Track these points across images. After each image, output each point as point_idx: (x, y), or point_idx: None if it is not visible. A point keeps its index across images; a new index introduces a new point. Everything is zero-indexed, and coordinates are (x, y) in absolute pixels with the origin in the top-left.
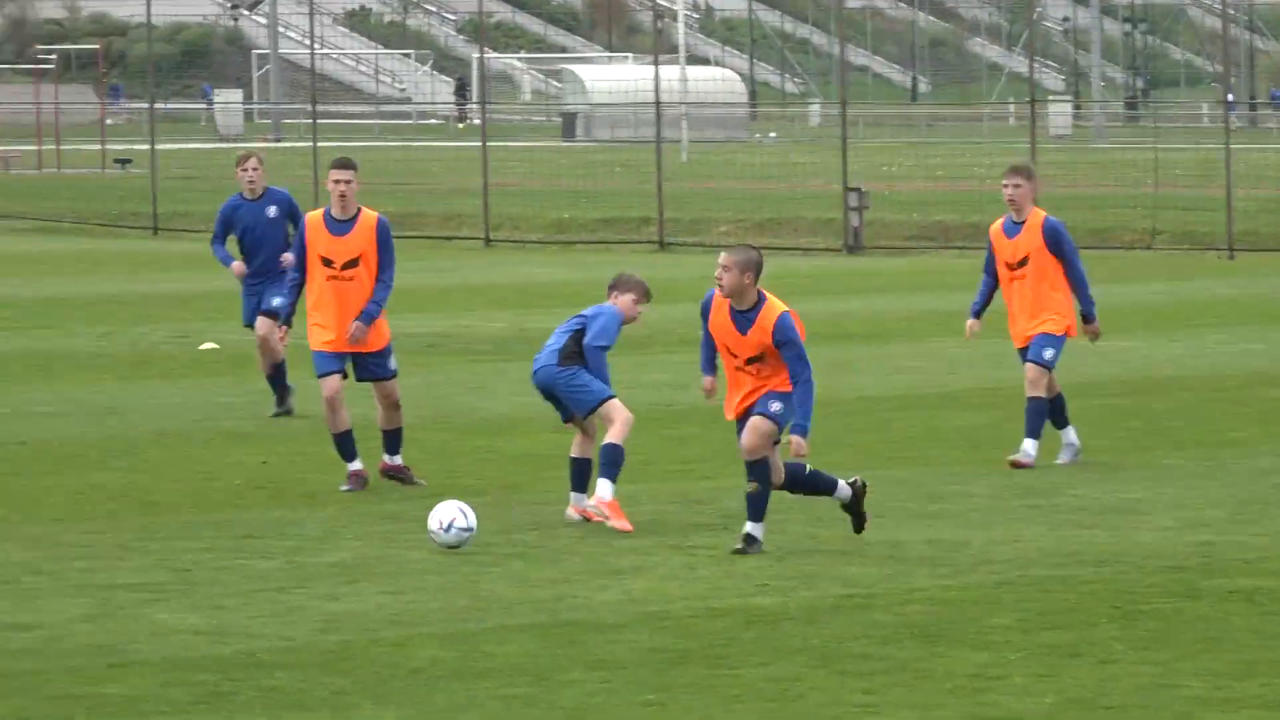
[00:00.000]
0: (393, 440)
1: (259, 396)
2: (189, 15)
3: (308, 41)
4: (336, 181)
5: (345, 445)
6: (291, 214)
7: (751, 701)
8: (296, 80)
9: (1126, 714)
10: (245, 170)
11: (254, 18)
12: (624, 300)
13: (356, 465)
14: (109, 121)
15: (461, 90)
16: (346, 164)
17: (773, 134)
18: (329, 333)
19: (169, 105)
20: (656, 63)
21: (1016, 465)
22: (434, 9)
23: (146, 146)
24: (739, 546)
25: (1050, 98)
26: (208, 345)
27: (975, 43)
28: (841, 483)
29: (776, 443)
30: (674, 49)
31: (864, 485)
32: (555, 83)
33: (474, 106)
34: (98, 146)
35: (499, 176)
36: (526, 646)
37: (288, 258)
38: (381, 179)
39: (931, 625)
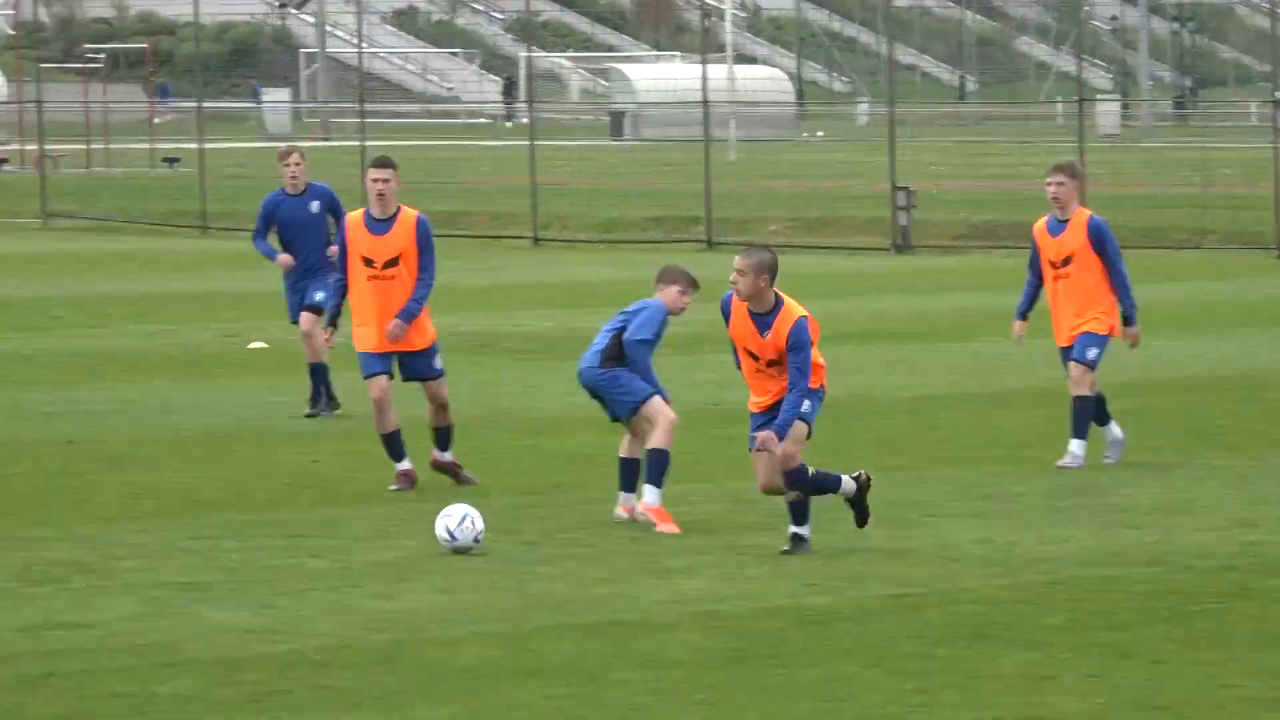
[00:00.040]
0: (442, 437)
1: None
2: (237, 14)
3: (355, 40)
4: (375, 180)
5: (393, 445)
6: (333, 209)
7: (803, 701)
8: (344, 79)
9: (1178, 714)
10: (287, 165)
11: (302, 16)
12: (669, 292)
13: (405, 465)
14: (157, 120)
15: (509, 89)
16: (384, 163)
17: (820, 133)
18: (372, 333)
19: (217, 104)
20: (704, 62)
21: (1066, 469)
22: (482, 8)
23: (195, 145)
24: (787, 548)
25: (1098, 97)
26: (257, 344)
27: (1023, 42)
28: (845, 478)
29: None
30: (722, 48)
31: (868, 479)
32: (603, 82)
33: (522, 105)
34: (146, 145)
35: (547, 175)
36: (577, 646)
37: (335, 249)
38: (429, 178)
39: (982, 625)
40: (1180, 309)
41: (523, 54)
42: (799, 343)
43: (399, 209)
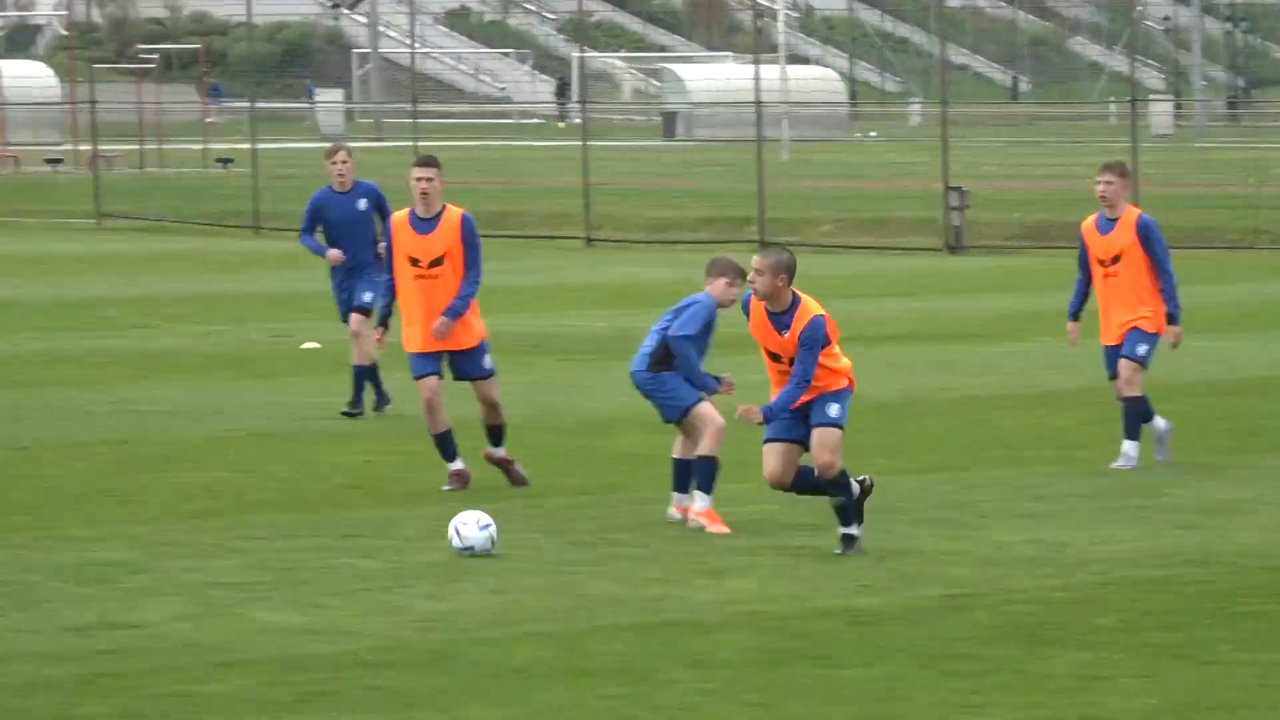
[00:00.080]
0: (494, 435)
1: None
2: (290, 14)
3: (408, 41)
4: (418, 179)
5: (445, 445)
6: (380, 207)
7: (854, 702)
8: (397, 79)
9: (1231, 715)
10: (334, 163)
11: (354, 17)
12: (717, 285)
13: (458, 465)
14: (210, 121)
15: (562, 90)
16: (427, 162)
17: (873, 133)
18: (419, 333)
19: (270, 104)
20: (757, 62)
21: (1119, 470)
22: (534, 8)
23: (248, 146)
24: (839, 550)
25: (1151, 97)
26: (310, 345)
27: (1075, 42)
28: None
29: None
30: (774, 48)
31: (871, 485)
32: (655, 82)
33: (574, 106)
34: (199, 146)
35: (600, 176)
36: (628, 646)
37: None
38: (482, 179)
39: (1034, 625)
40: (1231, 309)
41: (575, 54)
42: (809, 339)
43: (444, 207)
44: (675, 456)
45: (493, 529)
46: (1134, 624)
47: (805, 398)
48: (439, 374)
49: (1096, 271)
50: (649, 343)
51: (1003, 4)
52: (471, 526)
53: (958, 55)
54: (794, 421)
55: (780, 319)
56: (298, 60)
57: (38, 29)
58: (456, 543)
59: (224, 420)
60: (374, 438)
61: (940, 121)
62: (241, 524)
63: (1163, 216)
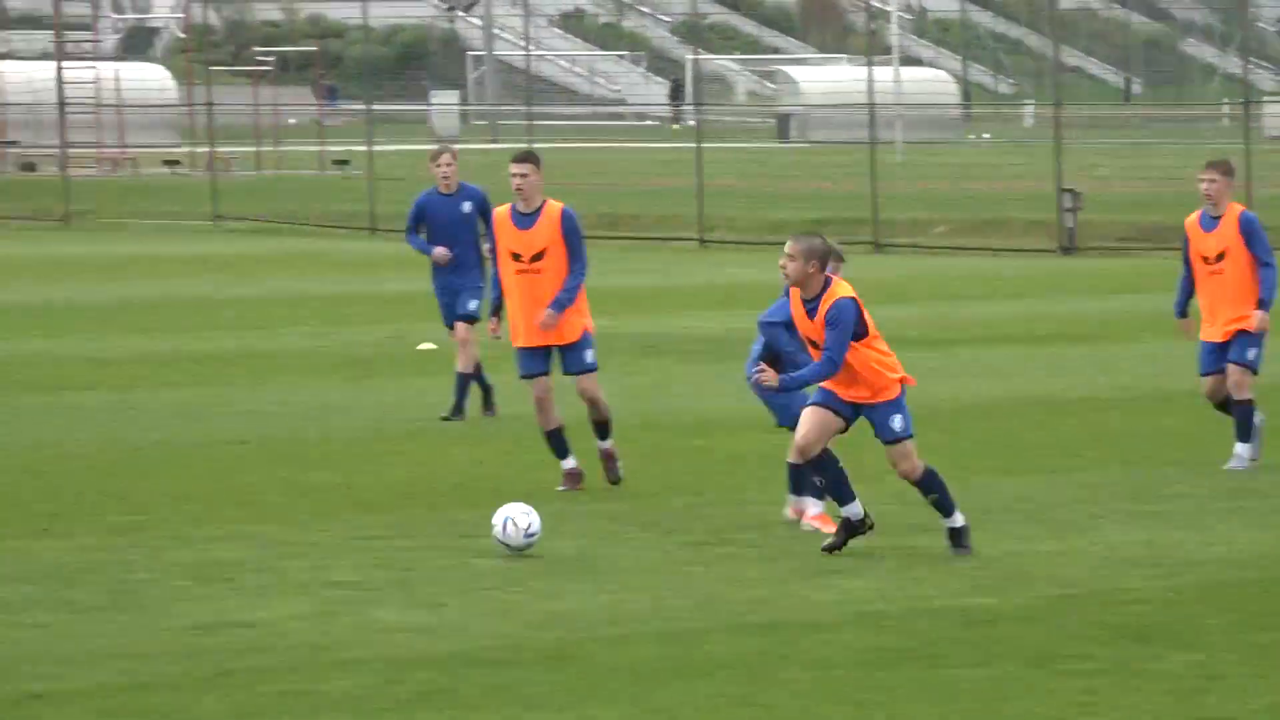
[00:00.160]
0: (600, 430)
1: (476, 397)
2: (405, 17)
3: (523, 43)
4: (513, 175)
5: (557, 443)
6: (484, 212)
7: (967, 701)
8: (512, 82)
9: None
10: (439, 165)
11: (470, 19)
12: None
13: (570, 463)
14: (326, 123)
15: (677, 92)
16: (523, 158)
17: (986, 134)
18: (522, 327)
19: (385, 107)
20: (870, 64)
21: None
22: (648, 10)
23: (363, 148)
24: (951, 549)
25: (1265, 98)
26: (425, 345)
27: (1188, 43)
28: (857, 504)
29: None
30: (887, 50)
31: (870, 527)
32: (769, 84)
33: (688, 108)
34: (316, 148)
35: (713, 178)
36: (744, 645)
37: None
38: (596, 180)
39: (1146, 626)
40: None
41: (689, 56)
42: (834, 319)
43: (544, 202)
44: (790, 461)
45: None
46: (1245, 624)
47: (856, 395)
48: (547, 372)
49: (1200, 269)
50: (756, 346)
51: (1116, 6)
52: (516, 535)
53: (1071, 57)
54: (843, 401)
55: (811, 304)
56: (413, 62)
57: (155, 32)
58: (499, 534)
59: (341, 421)
60: (489, 438)
61: (1053, 123)
62: (359, 524)
63: (1276, 218)
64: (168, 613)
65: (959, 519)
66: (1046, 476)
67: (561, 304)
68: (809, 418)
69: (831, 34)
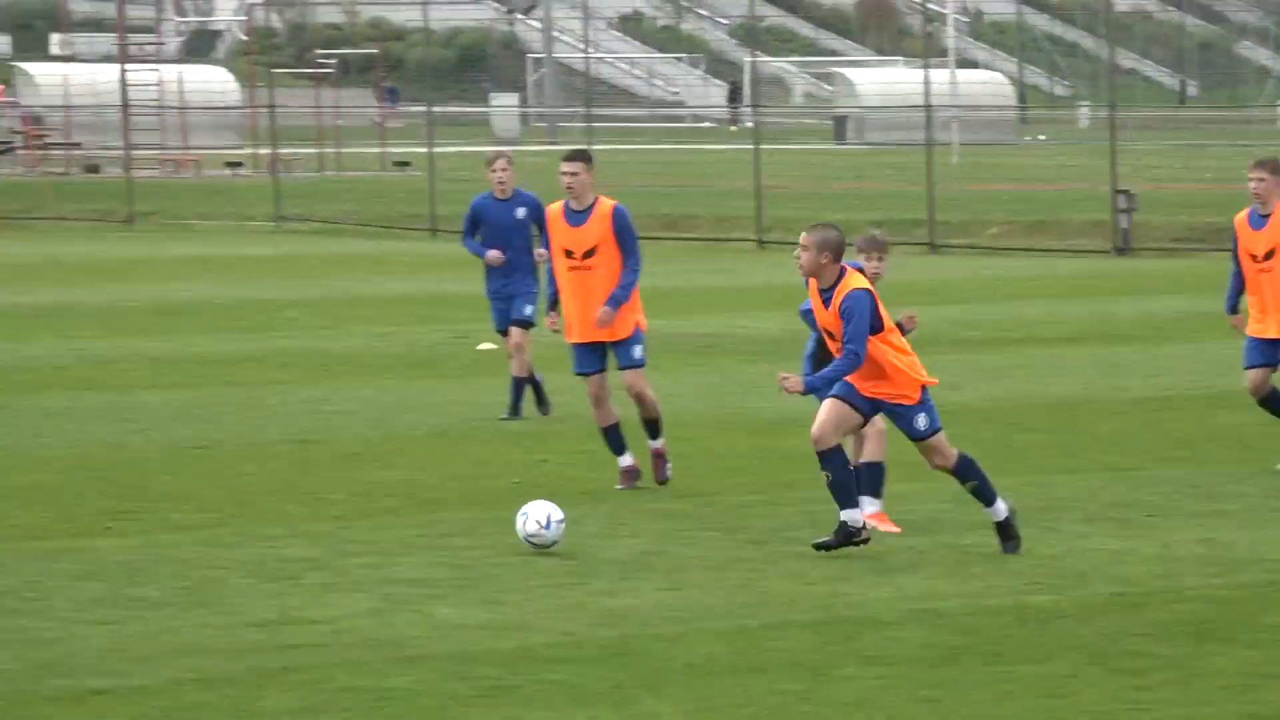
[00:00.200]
0: (650, 428)
1: (531, 398)
2: (465, 20)
3: (582, 45)
4: (563, 174)
5: (613, 438)
6: (538, 219)
7: (1025, 698)
8: (571, 84)
9: None
10: (494, 170)
11: (529, 22)
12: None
13: (627, 460)
14: (387, 125)
15: (735, 94)
16: (574, 156)
17: (1042, 136)
18: (575, 323)
19: (446, 109)
20: (926, 66)
21: None
22: (706, 13)
23: (424, 149)
24: (1003, 545)
25: None
26: (486, 346)
27: (1243, 45)
28: (858, 512)
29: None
30: (944, 52)
31: (866, 540)
32: (826, 86)
33: (746, 110)
34: (377, 149)
35: (771, 179)
36: (802, 642)
37: (541, 252)
38: (655, 181)
39: (1203, 624)
40: None
41: (747, 59)
42: (847, 311)
43: (596, 200)
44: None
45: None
46: None
47: (877, 390)
48: (603, 369)
49: (1249, 266)
50: (811, 341)
51: (1171, 9)
52: (540, 514)
53: (1126, 59)
54: (861, 396)
55: (826, 295)
56: (473, 65)
57: (217, 34)
58: (532, 529)
59: (403, 420)
60: (549, 437)
61: (1109, 125)
62: (421, 522)
63: None
64: (232, 609)
65: (1002, 508)
66: (1102, 475)
67: (617, 301)
68: (826, 409)
69: (888, 36)
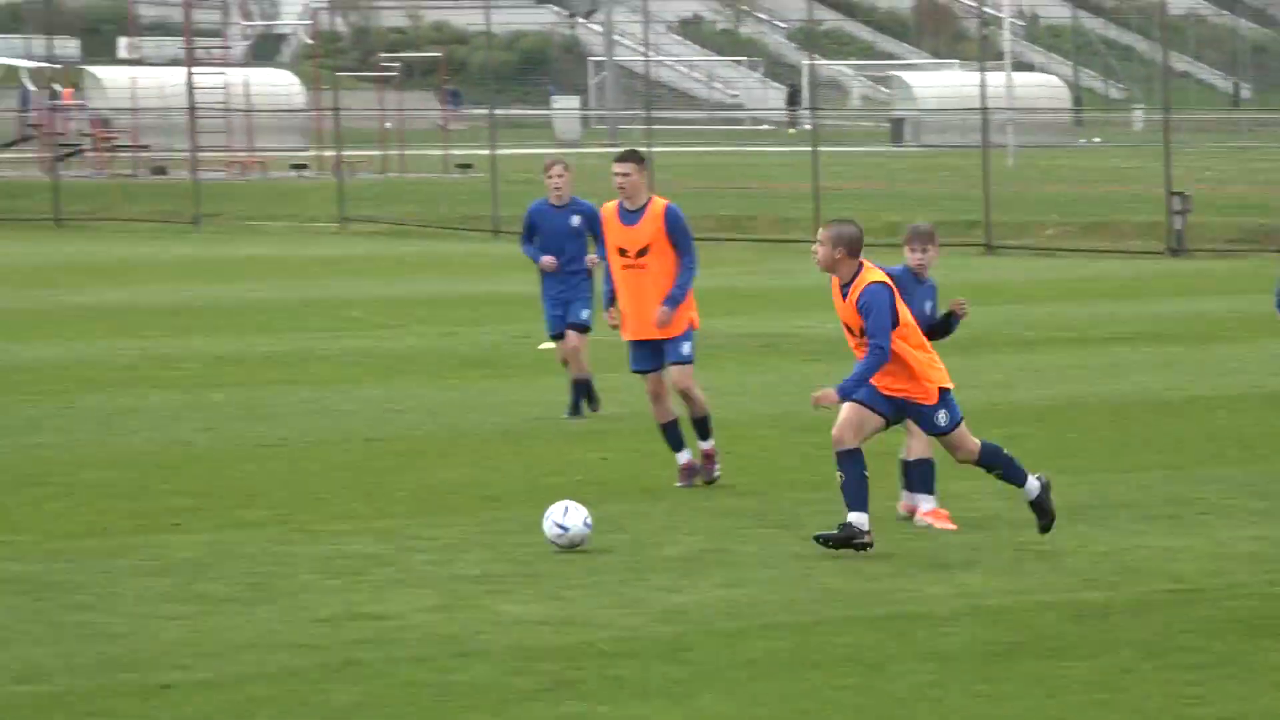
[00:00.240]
0: (700, 427)
1: (600, 394)
2: (527, 24)
3: (642, 49)
4: (616, 174)
5: (672, 435)
6: (593, 228)
7: (1079, 693)
8: (631, 86)
9: None
10: (550, 177)
11: (590, 26)
12: (906, 255)
13: (685, 457)
14: (450, 127)
15: (793, 97)
16: (625, 157)
17: (1097, 138)
18: (630, 321)
19: (508, 111)
20: (983, 69)
21: None
22: (765, 17)
23: (487, 151)
24: (1040, 522)
25: None
26: (547, 345)
27: None
28: (865, 517)
29: (946, 430)
30: (1000, 55)
31: (869, 546)
32: (884, 89)
33: (805, 112)
34: (440, 152)
35: (829, 181)
36: (860, 638)
37: (593, 259)
38: (714, 183)
39: (1257, 620)
40: None
41: (805, 62)
42: (865, 306)
43: (649, 200)
44: (903, 459)
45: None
46: None
47: (896, 386)
48: (660, 366)
49: None
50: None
51: (1224, 12)
52: (558, 513)
53: (1180, 62)
54: (882, 398)
55: (844, 289)
56: (535, 68)
57: (283, 38)
58: (555, 532)
59: (466, 419)
60: (611, 436)
61: (1163, 127)
62: (484, 519)
63: None
64: (297, 605)
65: (1034, 486)
66: (1156, 474)
67: (675, 300)
68: (846, 411)
69: (945, 40)
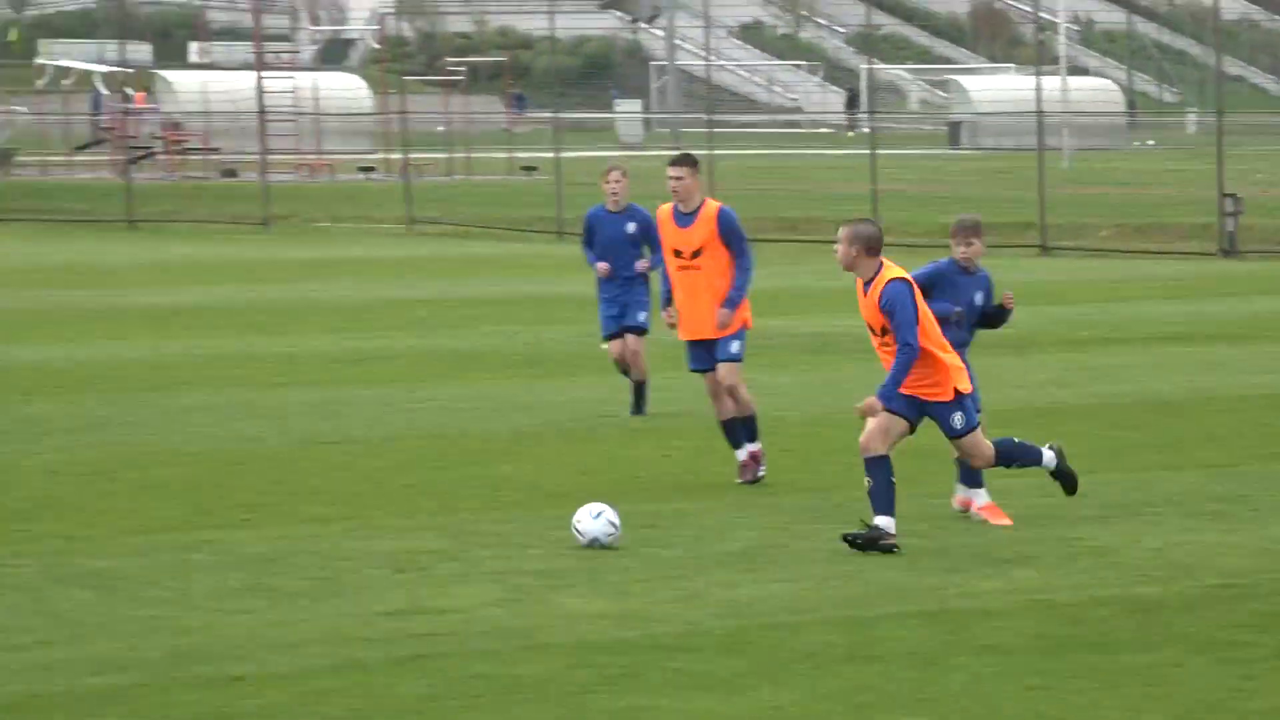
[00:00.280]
0: (745, 428)
1: (659, 394)
2: (591, 29)
3: (704, 53)
4: (670, 178)
5: (731, 432)
6: (647, 234)
7: (1132, 686)
8: (693, 90)
9: None
10: (608, 183)
11: (653, 31)
12: (953, 250)
13: (745, 453)
14: (515, 130)
15: (852, 101)
16: (679, 161)
17: (1150, 141)
18: (686, 321)
19: (572, 115)
20: (1038, 73)
21: None
22: (824, 22)
23: (551, 154)
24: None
25: None
26: (605, 346)
27: None
28: (892, 521)
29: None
30: (1055, 60)
31: (895, 549)
32: (941, 93)
33: (863, 116)
34: (505, 155)
35: (887, 183)
36: (916, 632)
37: (644, 263)
38: (773, 184)
39: None
40: None
41: (864, 66)
42: (888, 305)
43: (703, 202)
44: (957, 456)
45: (607, 514)
46: None
47: (916, 385)
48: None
49: None
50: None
51: (1277, 18)
52: (586, 520)
53: (1233, 66)
54: (902, 399)
55: (865, 288)
56: (598, 72)
57: (351, 43)
58: (580, 540)
59: (528, 416)
60: (673, 433)
61: (1216, 130)
62: (547, 515)
63: None
64: (365, 599)
65: (1050, 458)
66: (1206, 471)
67: (733, 302)
68: (877, 419)
69: (1001, 44)
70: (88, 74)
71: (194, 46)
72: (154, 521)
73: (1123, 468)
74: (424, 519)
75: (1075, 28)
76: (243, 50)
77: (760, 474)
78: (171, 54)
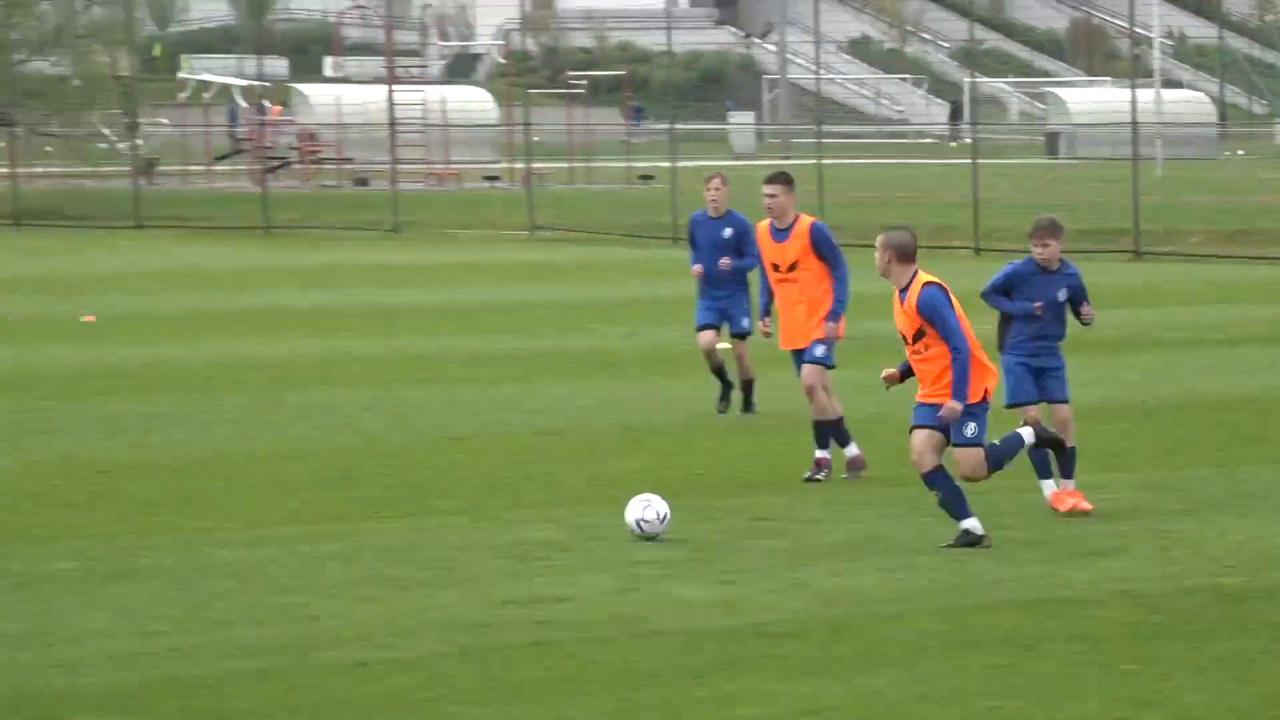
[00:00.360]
0: (820, 432)
1: (766, 392)
2: (706, 44)
3: (813, 67)
4: (765, 195)
5: (836, 432)
6: (741, 240)
7: (1217, 673)
8: (803, 103)
9: None
10: (709, 189)
11: (765, 46)
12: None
13: (852, 450)
14: (633, 141)
15: (956, 113)
16: (773, 179)
17: (1240, 151)
18: (783, 331)
19: (687, 126)
20: (1133, 86)
21: None
22: (929, 37)
23: (667, 164)
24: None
25: None
26: (722, 346)
27: None
28: (976, 520)
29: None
30: (1149, 73)
31: (988, 544)
32: (1040, 104)
33: (966, 127)
34: (623, 164)
35: (988, 191)
36: (1011, 620)
37: (725, 261)
38: (880, 192)
39: None
40: None
41: (966, 79)
42: (927, 312)
43: (797, 218)
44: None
45: (655, 504)
46: None
47: (933, 389)
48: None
49: None
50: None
51: None
52: (636, 510)
53: None
54: (929, 409)
55: (901, 295)
56: (713, 85)
57: (478, 58)
58: (638, 529)
59: (643, 414)
60: (777, 430)
61: None
62: None
63: None
64: (485, 588)
65: (1029, 435)
66: None
67: (836, 314)
68: (914, 439)
69: (1098, 58)
70: (227, 88)
71: (328, 61)
72: (285, 514)
73: (1210, 463)
74: (540, 511)
75: (1169, 42)
76: (375, 65)
77: (820, 477)
78: (307, 68)
